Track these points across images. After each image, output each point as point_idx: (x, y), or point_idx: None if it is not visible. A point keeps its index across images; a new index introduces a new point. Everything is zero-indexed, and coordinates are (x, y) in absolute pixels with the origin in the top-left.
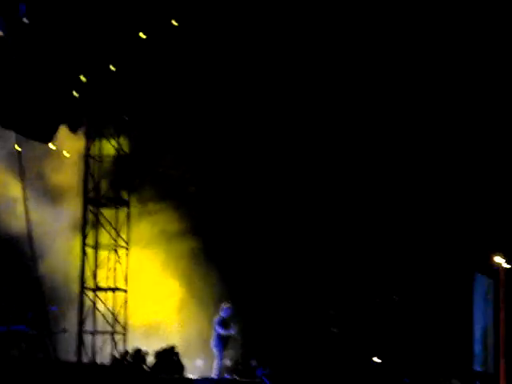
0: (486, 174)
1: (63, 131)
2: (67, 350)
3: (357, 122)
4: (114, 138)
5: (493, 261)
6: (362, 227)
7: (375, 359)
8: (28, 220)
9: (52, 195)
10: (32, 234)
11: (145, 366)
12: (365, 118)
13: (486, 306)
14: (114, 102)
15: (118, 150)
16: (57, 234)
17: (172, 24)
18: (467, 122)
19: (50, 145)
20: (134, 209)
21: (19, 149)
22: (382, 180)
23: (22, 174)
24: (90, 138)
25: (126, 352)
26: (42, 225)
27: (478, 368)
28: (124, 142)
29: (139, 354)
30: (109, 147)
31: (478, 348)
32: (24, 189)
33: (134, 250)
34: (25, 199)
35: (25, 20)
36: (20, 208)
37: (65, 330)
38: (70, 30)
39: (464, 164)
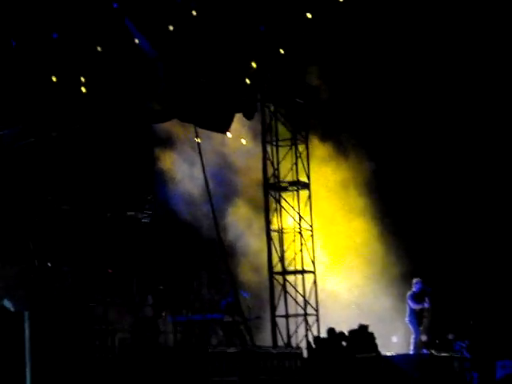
0: None
1: (238, 119)
2: (262, 336)
3: None
4: (288, 122)
5: None
6: None
7: None
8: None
9: (231, 181)
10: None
11: (342, 344)
12: None
13: None
14: (286, 85)
15: (294, 132)
16: (240, 222)
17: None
18: None
19: (228, 134)
20: (314, 190)
21: (199, 140)
22: None
23: (202, 166)
24: (266, 123)
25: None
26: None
27: None
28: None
29: (333, 334)
30: (284, 131)
31: None
32: (207, 183)
33: (318, 231)
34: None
35: (193, 12)
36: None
37: (258, 317)
38: (238, 18)
39: None
